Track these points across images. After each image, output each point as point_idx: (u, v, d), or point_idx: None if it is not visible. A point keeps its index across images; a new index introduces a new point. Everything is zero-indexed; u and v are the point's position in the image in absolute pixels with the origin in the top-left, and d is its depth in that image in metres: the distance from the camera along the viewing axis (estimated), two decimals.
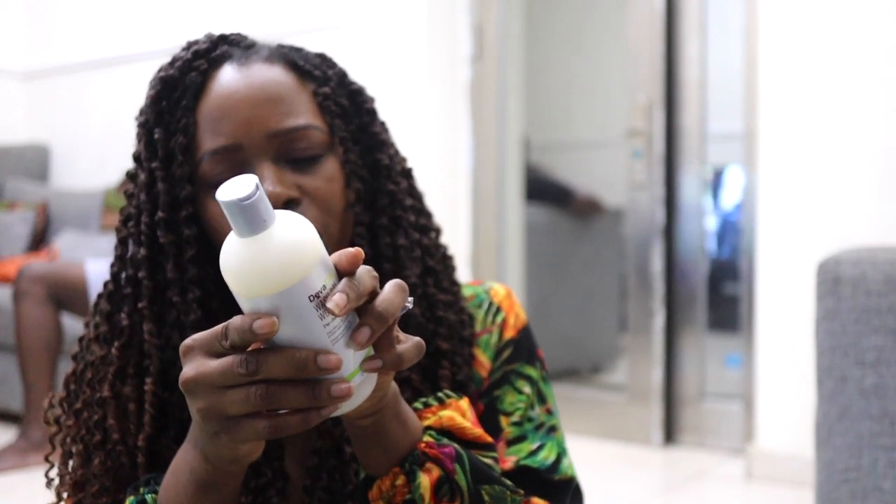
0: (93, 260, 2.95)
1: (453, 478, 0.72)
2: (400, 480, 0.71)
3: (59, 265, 2.96)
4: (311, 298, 0.59)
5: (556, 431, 0.91)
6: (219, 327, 0.61)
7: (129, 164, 3.32)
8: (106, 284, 0.86)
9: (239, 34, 0.87)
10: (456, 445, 0.74)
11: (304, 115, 0.81)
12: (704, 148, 3.03)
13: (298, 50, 0.86)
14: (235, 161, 0.79)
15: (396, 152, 0.90)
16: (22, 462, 2.68)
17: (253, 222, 0.58)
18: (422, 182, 0.97)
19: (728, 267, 4.27)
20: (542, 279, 3.88)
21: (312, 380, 0.59)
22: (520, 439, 0.88)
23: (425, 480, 0.71)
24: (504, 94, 3.36)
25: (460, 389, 0.86)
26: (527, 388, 0.90)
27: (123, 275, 0.85)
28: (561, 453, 0.89)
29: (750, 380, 2.77)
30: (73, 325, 2.90)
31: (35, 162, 4.21)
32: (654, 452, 2.97)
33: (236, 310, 0.83)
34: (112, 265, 0.86)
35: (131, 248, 0.84)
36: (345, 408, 0.63)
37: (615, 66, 3.87)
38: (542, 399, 0.91)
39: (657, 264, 3.03)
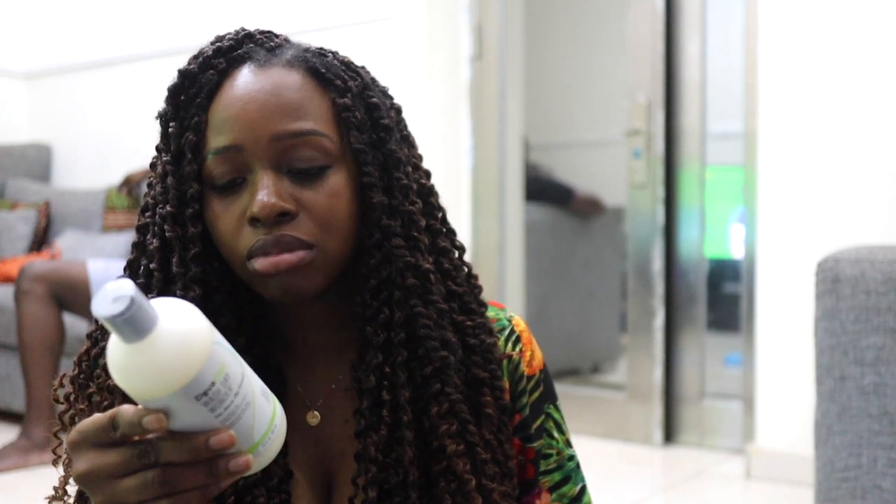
0: (94, 259, 2.95)
1: None
2: None
3: (61, 264, 2.97)
4: (199, 397, 0.60)
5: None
6: (105, 418, 0.62)
7: (131, 165, 3.33)
8: (124, 270, 0.87)
9: (267, 32, 0.86)
10: None
11: (313, 121, 0.80)
12: (704, 148, 3.04)
13: (324, 56, 0.84)
14: (236, 162, 0.79)
15: (416, 168, 0.87)
16: (23, 461, 2.68)
17: (133, 332, 0.58)
18: None
19: (728, 267, 4.28)
20: (542, 279, 3.88)
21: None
22: (563, 482, 0.90)
23: None
24: (504, 94, 3.37)
25: (504, 414, 0.85)
26: (556, 433, 0.91)
27: (138, 264, 0.85)
28: (584, 486, 0.92)
29: (750, 379, 2.78)
30: (75, 325, 2.90)
31: (37, 162, 4.22)
32: (653, 451, 2.97)
33: (239, 309, 0.83)
34: (130, 252, 0.87)
35: (147, 237, 0.84)
36: (252, 470, 0.65)
37: (615, 66, 3.87)
38: (567, 436, 0.92)
39: (657, 264, 3.04)
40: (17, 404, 3.13)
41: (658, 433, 3.00)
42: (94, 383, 0.84)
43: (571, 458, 0.92)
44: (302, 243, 0.78)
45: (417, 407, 0.81)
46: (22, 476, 2.62)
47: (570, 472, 0.91)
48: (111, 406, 0.82)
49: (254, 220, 0.78)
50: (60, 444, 0.86)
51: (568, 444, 0.92)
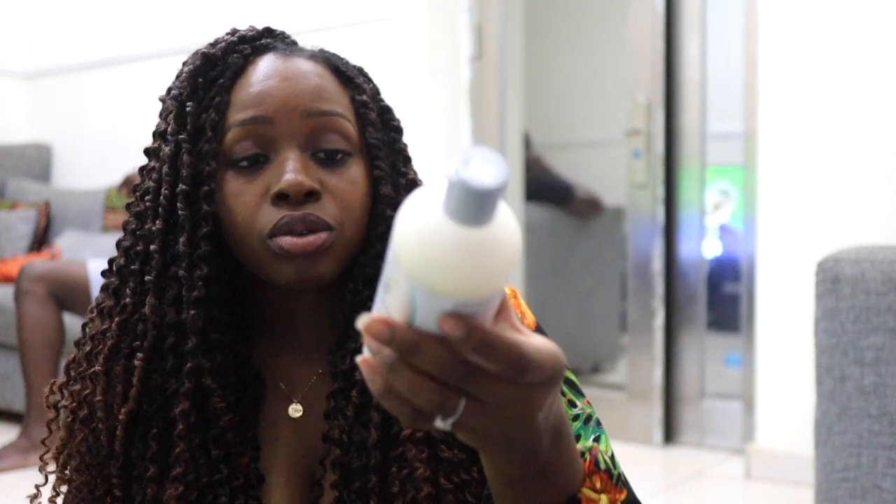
0: (94, 259, 2.95)
1: None
2: None
3: (61, 264, 2.97)
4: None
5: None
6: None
7: (130, 165, 3.32)
8: (116, 259, 0.86)
9: (283, 32, 0.89)
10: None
11: (341, 107, 0.82)
12: (704, 148, 3.04)
13: (340, 57, 0.88)
14: (262, 137, 0.79)
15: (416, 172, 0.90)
16: (24, 461, 2.68)
17: (485, 213, 0.46)
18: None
19: (728, 267, 4.28)
20: (543, 279, 3.88)
21: None
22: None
23: None
24: (504, 93, 3.36)
25: None
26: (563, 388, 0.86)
27: (133, 250, 0.84)
28: (601, 436, 0.86)
29: (750, 379, 2.78)
30: (75, 325, 2.90)
31: (37, 161, 4.22)
32: (654, 452, 2.97)
33: (236, 290, 0.83)
34: (123, 240, 0.85)
35: (147, 223, 0.83)
36: None
37: (615, 66, 3.87)
38: (580, 393, 0.87)
39: (657, 264, 3.04)
40: (17, 404, 3.12)
41: (658, 433, 3.00)
42: (77, 372, 0.84)
43: (576, 417, 0.86)
44: (325, 224, 0.78)
45: None
46: (22, 476, 2.62)
47: (578, 431, 0.84)
48: (90, 394, 0.82)
49: (280, 197, 0.78)
50: (48, 451, 0.87)
51: (571, 404, 0.86)
